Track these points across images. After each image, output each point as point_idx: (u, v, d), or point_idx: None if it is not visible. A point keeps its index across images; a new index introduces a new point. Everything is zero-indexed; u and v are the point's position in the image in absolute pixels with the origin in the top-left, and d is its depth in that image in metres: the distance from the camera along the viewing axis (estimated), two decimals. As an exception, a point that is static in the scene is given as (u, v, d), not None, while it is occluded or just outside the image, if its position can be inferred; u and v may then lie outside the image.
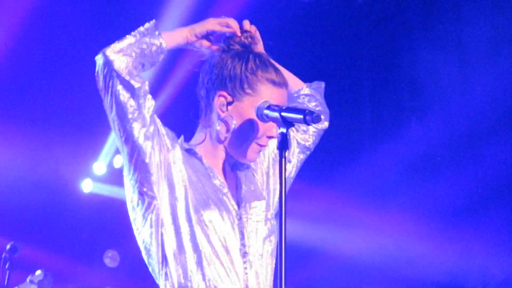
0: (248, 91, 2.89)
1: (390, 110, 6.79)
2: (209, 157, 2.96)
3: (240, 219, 2.89)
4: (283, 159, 2.68)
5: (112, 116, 2.75)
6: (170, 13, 6.34)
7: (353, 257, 6.78)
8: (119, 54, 2.70)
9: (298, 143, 3.20)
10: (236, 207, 2.91)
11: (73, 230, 7.32)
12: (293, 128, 3.13)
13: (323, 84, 3.30)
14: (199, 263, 2.78)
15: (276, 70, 2.94)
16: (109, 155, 7.28)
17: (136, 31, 2.78)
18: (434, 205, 6.47)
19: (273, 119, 2.81)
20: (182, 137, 2.97)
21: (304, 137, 3.20)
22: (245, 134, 2.90)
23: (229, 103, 2.91)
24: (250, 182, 3.04)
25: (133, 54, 2.73)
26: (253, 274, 2.85)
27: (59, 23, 6.65)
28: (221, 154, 2.97)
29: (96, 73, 2.73)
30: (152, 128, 2.77)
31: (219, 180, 2.92)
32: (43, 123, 6.91)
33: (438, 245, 6.48)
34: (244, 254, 2.85)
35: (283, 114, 2.76)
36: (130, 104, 2.72)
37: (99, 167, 7.31)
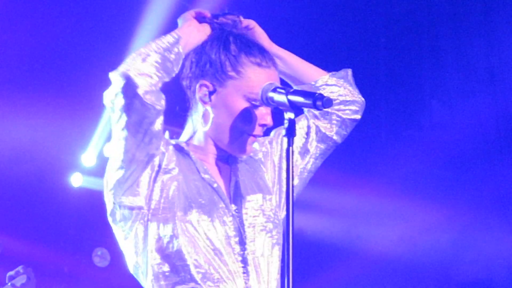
0: (231, 74, 2.71)
1: (408, 92, 6.53)
2: (199, 153, 2.79)
3: (232, 215, 2.73)
4: (290, 148, 2.54)
5: (121, 134, 2.60)
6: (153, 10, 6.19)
7: (377, 251, 6.70)
8: (144, 77, 2.57)
9: (319, 130, 2.94)
10: (228, 201, 2.75)
11: (60, 227, 7.18)
12: (315, 114, 2.92)
13: (349, 71, 3.00)
14: (187, 271, 2.65)
15: (261, 49, 2.77)
16: (98, 145, 7.08)
17: (158, 45, 2.65)
18: (462, 194, 6.29)
19: (280, 103, 2.63)
20: (167, 133, 2.80)
21: (326, 125, 2.93)
22: (234, 125, 2.72)
23: (212, 92, 2.73)
24: (251, 173, 2.86)
25: (158, 74, 2.60)
26: (253, 273, 2.70)
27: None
28: (212, 149, 2.80)
29: (114, 93, 2.58)
30: (159, 143, 2.67)
31: (209, 174, 2.75)
32: (27, 112, 6.74)
33: (465, 238, 6.34)
34: (241, 253, 2.70)
35: (290, 97, 2.59)
36: (146, 122, 2.59)
37: (88, 158, 7.12)
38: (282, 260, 2.72)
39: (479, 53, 6.32)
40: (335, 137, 2.93)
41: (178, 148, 2.75)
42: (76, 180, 7.17)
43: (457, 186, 6.36)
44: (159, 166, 2.68)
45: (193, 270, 2.63)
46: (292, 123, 2.55)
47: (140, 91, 2.53)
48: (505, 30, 6.20)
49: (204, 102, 2.73)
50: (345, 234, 6.80)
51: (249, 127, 2.71)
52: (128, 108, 2.55)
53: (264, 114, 2.71)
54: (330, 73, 2.96)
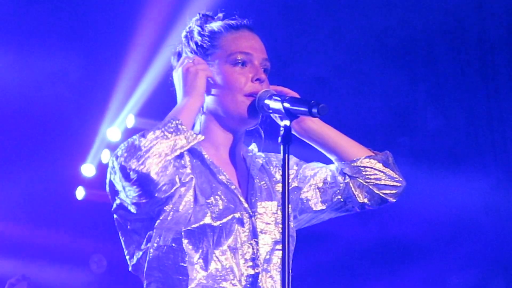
0: (209, 51, 2.75)
1: (403, 98, 6.53)
2: (210, 149, 2.75)
3: (250, 216, 2.70)
4: (286, 155, 2.53)
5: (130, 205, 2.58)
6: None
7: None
8: (163, 174, 2.50)
9: (348, 189, 2.88)
10: (246, 204, 2.71)
11: (59, 235, 7.19)
12: (351, 179, 2.87)
13: (390, 155, 2.92)
14: (185, 286, 2.61)
15: (229, 19, 2.81)
16: (97, 155, 7.10)
17: (169, 138, 2.54)
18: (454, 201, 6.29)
19: (275, 111, 2.65)
20: None
21: (357, 193, 2.88)
22: (228, 91, 2.71)
23: None
24: (268, 180, 2.84)
25: (174, 165, 2.53)
26: (257, 279, 2.66)
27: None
28: (221, 140, 2.77)
29: (129, 184, 2.51)
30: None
31: (224, 175, 2.71)
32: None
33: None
34: (252, 258, 2.66)
35: (285, 104, 2.61)
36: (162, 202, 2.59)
37: (88, 169, 7.15)
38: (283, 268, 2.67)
39: (474, 60, 6.32)
40: (356, 205, 2.89)
41: (190, 150, 2.69)
42: (80, 193, 7.23)
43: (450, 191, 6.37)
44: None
45: (191, 286, 2.60)
46: (287, 130, 2.56)
47: (163, 187, 2.51)
48: (500, 36, 6.21)
49: None
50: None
51: (242, 87, 2.70)
52: (142, 201, 2.54)
53: (254, 69, 2.73)
54: (371, 155, 2.89)
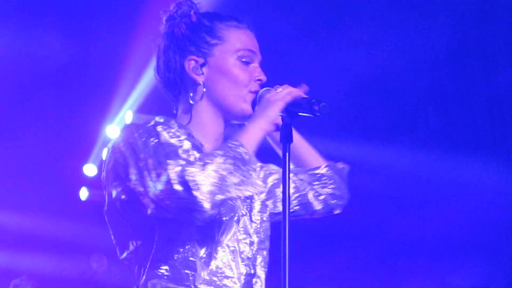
0: (214, 41, 2.71)
1: (404, 99, 6.53)
2: (201, 138, 2.70)
3: (243, 215, 2.67)
4: (287, 154, 2.52)
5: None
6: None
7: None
8: (216, 208, 2.45)
9: (305, 195, 2.88)
10: (239, 202, 2.67)
11: (60, 234, 7.22)
12: (310, 189, 2.89)
13: (346, 168, 2.97)
14: (192, 281, 2.57)
15: (231, 15, 2.78)
16: (98, 156, 7.13)
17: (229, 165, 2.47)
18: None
19: None
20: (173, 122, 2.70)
21: (313, 200, 2.90)
22: (233, 86, 2.69)
23: (202, 65, 2.70)
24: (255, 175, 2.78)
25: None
26: (252, 278, 2.65)
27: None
28: (213, 131, 2.72)
29: (173, 201, 2.42)
30: None
31: None
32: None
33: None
34: (247, 257, 2.65)
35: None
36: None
37: (90, 169, 7.17)
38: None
39: (475, 59, 6.33)
40: (308, 212, 2.90)
41: None
42: (83, 194, 7.26)
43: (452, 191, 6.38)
44: None
45: (197, 281, 2.57)
46: (288, 128, 2.55)
47: (212, 214, 2.46)
48: (501, 35, 6.22)
49: (197, 75, 2.69)
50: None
51: (247, 84, 2.69)
52: (171, 212, 2.45)
53: (257, 70, 2.72)
54: (329, 164, 2.94)
